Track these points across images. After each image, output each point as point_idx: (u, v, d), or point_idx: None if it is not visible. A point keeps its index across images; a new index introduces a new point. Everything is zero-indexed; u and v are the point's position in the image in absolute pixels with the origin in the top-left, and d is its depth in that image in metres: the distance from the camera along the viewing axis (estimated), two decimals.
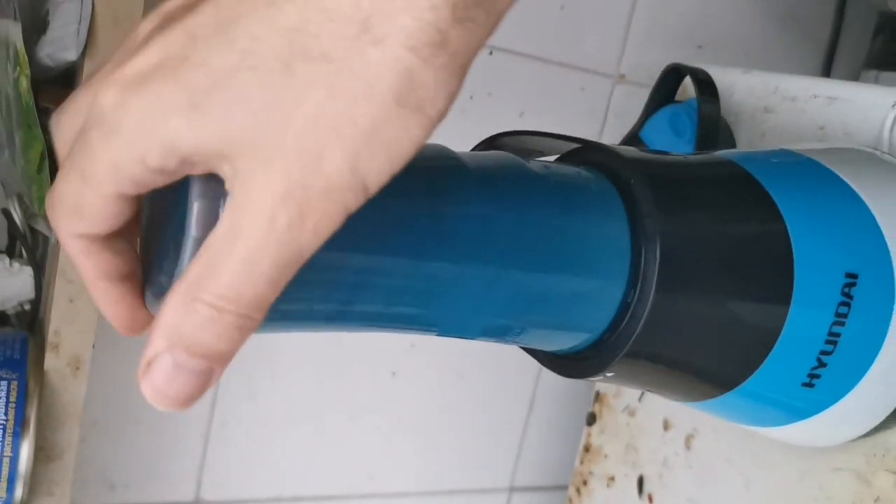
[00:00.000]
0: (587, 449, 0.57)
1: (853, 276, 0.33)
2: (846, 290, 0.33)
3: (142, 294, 0.25)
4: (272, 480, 0.59)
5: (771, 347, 0.32)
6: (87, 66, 0.34)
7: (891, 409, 0.37)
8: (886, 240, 0.33)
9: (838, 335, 0.33)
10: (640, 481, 0.52)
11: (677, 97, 0.50)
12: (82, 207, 0.21)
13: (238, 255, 0.20)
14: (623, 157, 0.31)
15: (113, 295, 0.23)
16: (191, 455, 0.56)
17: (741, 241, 0.32)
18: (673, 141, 0.47)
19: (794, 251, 0.32)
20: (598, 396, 0.57)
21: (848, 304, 0.33)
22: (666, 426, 0.51)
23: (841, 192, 0.34)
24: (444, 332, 0.29)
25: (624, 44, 0.61)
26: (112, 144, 0.20)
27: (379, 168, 0.20)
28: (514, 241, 0.28)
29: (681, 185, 0.31)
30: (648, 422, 0.52)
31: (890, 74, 0.66)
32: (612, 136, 0.62)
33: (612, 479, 0.54)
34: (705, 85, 0.45)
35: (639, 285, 0.30)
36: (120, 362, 0.51)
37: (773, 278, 0.32)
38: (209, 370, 0.21)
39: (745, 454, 0.45)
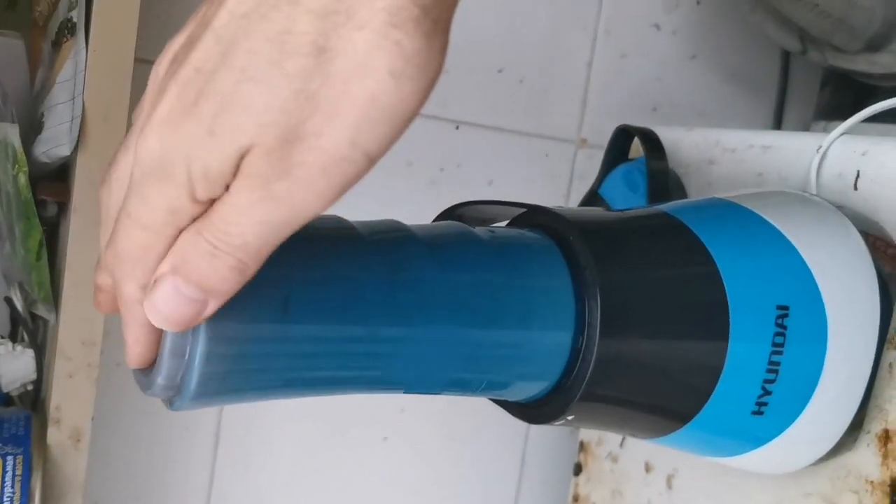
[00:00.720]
0: (576, 499, 0.59)
1: (784, 307, 0.35)
2: (779, 321, 0.35)
3: None
4: None
5: (716, 381, 0.35)
6: (80, 160, 0.38)
7: (843, 431, 0.39)
8: (812, 271, 0.36)
9: (778, 364, 0.35)
10: None
11: (631, 155, 0.53)
12: (148, 255, 0.23)
13: (238, 209, 0.22)
14: (562, 217, 0.34)
15: (155, 335, 0.26)
16: None
17: (676, 284, 0.35)
18: (628, 196, 0.51)
19: (726, 290, 0.35)
20: (582, 446, 0.59)
21: (783, 334, 0.35)
22: (647, 468, 0.53)
23: (766, 232, 0.37)
24: (408, 389, 0.31)
25: (583, 110, 0.65)
26: (164, 188, 0.22)
27: (381, 137, 0.22)
28: (465, 302, 0.31)
29: (617, 238, 0.34)
30: (631, 466, 0.54)
31: (838, 124, 0.70)
32: (577, 196, 0.65)
33: None
34: (652, 143, 0.49)
35: (585, 333, 0.33)
36: (118, 438, 0.54)
37: (710, 317, 0.35)
38: (203, 301, 0.23)
39: (723, 487, 0.47)
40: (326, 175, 0.22)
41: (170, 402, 0.28)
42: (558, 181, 0.65)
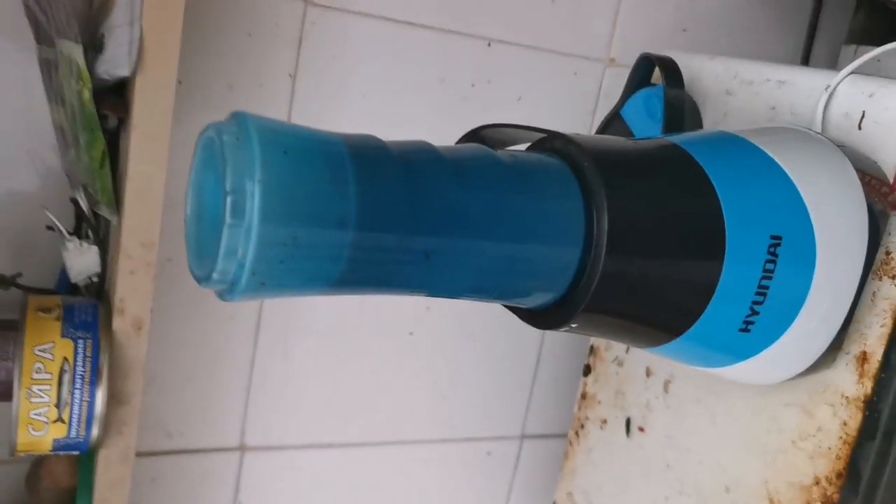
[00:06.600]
0: (584, 396, 0.64)
1: (777, 237, 0.39)
2: (772, 249, 0.39)
3: None
4: (307, 429, 0.67)
5: (709, 299, 0.39)
6: (139, 82, 0.42)
7: (823, 350, 0.43)
8: (806, 205, 0.39)
9: (767, 288, 0.39)
10: (628, 423, 0.59)
11: (654, 80, 0.56)
12: None
13: None
14: (578, 143, 0.37)
15: None
16: (235, 408, 0.64)
17: (679, 210, 0.38)
18: (646, 121, 0.53)
19: (725, 219, 0.38)
20: (592, 349, 0.63)
21: (774, 262, 0.39)
22: (648, 373, 0.57)
23: (767, 166, 0.40)
24: (431, 293, 0.36)
25: (612, 30, 0.67)
26: None
27: None
28: (485, 218, 0.35)
29: (626, 165, 0.38)
30: (634, 370, 0.59)
31: (867, 49, 0.71)
32: (603, 114, 0.68)
33: (605, 421, 0.61)
34: (671, 72, 0.51)
35: (592, 250, 0.36)
36: (171, 326, 0.59)
37: (708, 242, 0.38)
38: None
39: (711, 394, 0.52)
40: None
41: (221, 295, 0.32)
42: (586, 99, 0.67)
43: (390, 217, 0.33)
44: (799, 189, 0.40)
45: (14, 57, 0.51)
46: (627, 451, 0.59)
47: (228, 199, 0.30)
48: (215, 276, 0.31)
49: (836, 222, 0.40)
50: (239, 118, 0.32)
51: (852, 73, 0.45)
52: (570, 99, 0.67)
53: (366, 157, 0.33)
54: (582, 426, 0.64)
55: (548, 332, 0.73)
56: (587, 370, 0.64)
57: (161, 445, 0.62)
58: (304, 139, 0.33)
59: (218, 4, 0.54)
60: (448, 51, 0.62)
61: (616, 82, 0.68)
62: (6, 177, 0.53)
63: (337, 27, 0.58)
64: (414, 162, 0.34)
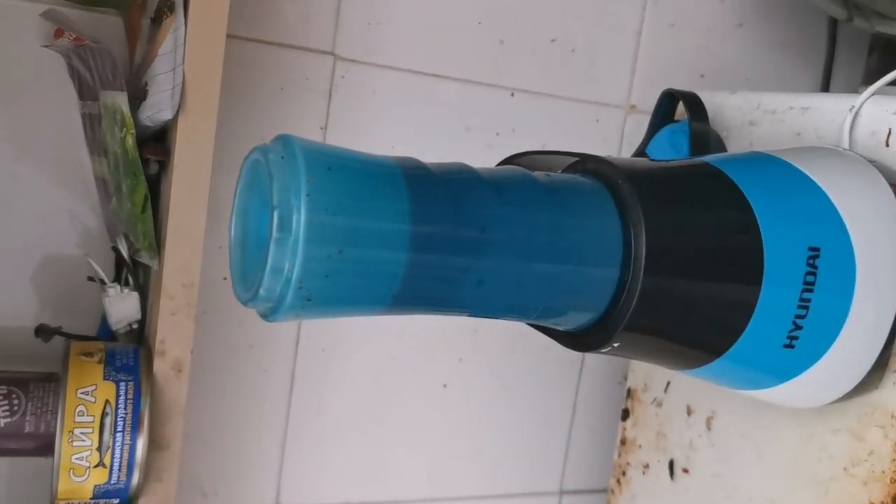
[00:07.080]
0: (623, 442, 0.63)
1: (815, 249, 0.39)
2: (811, 261, 0.39)
3: None
4: (342, 486, 0.66)
5: (750, 315, 0.38)
6: (181, 123, 0.43)
7: (869, 368, 0.42)
8: (842, 216, 0.39)
9: (809, 300, 0.39)
10: (671, 465, 0.58)
11: (677, 117, 0.57)
12: None
13: None
14: (612, 163, 0.38)
15: None
16: (270, 465, 0.63)
17: (715, 225, 0.38)
18: (672, 156, 0.54)
19: (761, 232, 0.38)
20: (629, 393, 0.63)
21: (814, 274, 0.39)
22: (689, 411, 0.56)
23: (800, 180, 0.40)
24: (473, 313, 0.36)
25: (632, 77, 0.69)
26: None
27: None
28: (524, 236, 0.35)
29: (661, 183, 0.38)
30: (674, 410, 0.58)
31: (884, 89, 0.72)
32: None
33: (647, 466, 0.60)
34: (694, 105, 0.52)
35: (630, 268, 0.36)
36: (205, 382, 0.59)
37: (746, 256, 0.38)
38: None
39: (757, 428, 0.51)
40: None
41: (265, 315, 0.33)
42: (608, 145, 0.68)
43: (440, 235, 0.33)
44: (833, 201, 0.40)
45: (55, 117, 0.52)
46: (673, 494, 0.57)
47: (275, 214, 0.31)
48: (262, 292, 0.31)
49: (873, 232, 0.40)
50: (283, 139, 0.33)
51: (875, 93, 0.46)
52: (593, 145, 0.68)
53: (415, 176, 0.34)
54: (623, 473, 0.62)
55: (583, 380, 0.72)
56: (625, 414, 0.63)
57: None
58: (348, 159, 0.33)
59: (251, 61, 0.56)
60: (473, 101, 0.63)
61: (637, 129, 0.69)
62: (48, 236, 0.54)
63: (365, 80, 0.60)
64: (456, 181, 0.35)
